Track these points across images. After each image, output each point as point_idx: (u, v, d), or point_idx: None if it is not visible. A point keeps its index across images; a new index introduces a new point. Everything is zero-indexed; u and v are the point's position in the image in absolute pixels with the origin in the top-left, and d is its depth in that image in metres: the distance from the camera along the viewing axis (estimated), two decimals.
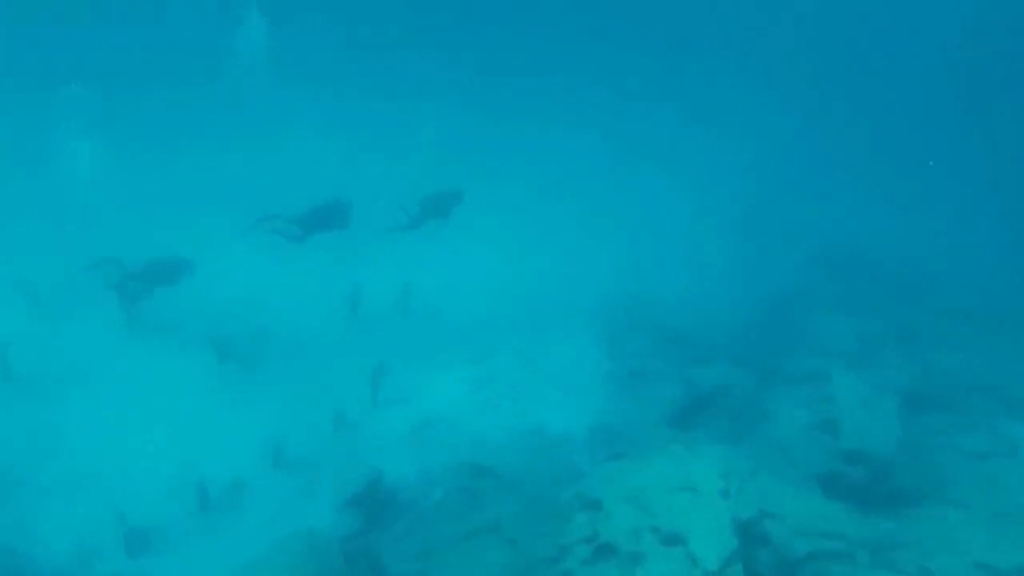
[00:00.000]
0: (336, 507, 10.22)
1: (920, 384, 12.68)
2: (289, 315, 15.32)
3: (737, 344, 15.45)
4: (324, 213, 12.20)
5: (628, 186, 21.75)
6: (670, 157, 24.82)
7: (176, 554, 10.31)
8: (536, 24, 28.90)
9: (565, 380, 14.16)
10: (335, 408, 12.97)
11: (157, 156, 21.39)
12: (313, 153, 19.10)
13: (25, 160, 21.08)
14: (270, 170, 18.64)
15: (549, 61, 28.70)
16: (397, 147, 19.87)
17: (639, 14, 30.12)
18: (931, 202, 24.03)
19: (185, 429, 12.29)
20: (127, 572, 9.93)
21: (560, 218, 19.32)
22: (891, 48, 30.68)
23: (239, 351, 14.23)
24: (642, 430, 11.60)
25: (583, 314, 16.97)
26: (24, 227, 17.55)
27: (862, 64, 30.87)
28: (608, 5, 29.55)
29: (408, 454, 12.06)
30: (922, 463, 10.57)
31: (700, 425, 12.03)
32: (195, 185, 19.45)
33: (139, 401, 13.03)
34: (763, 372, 13.57)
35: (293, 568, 8.80)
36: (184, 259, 13.24)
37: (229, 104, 22.32)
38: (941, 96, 28.99)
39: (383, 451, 12.10)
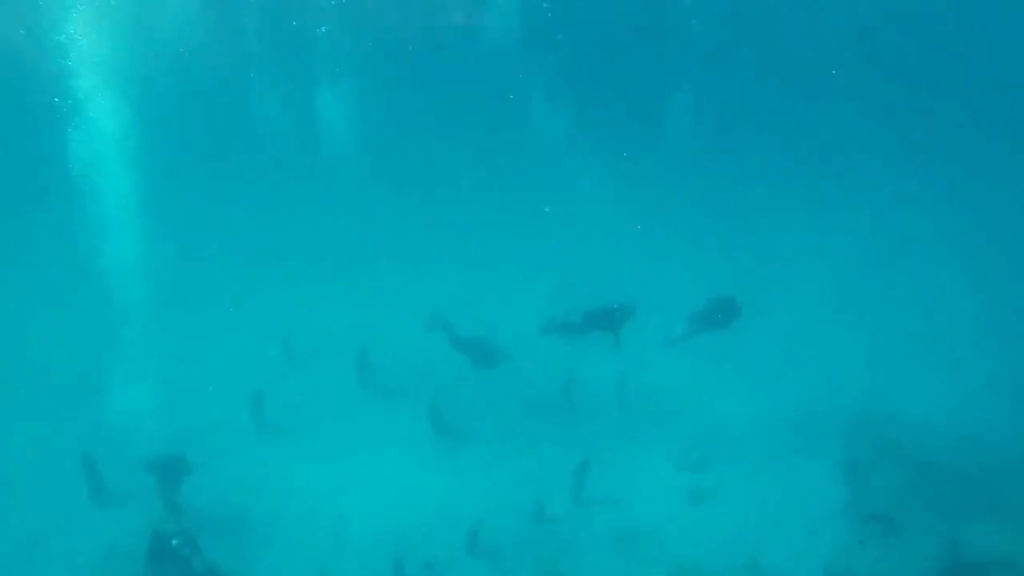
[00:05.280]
0: None
1: None
2: (508, 397, 15.32)
3: None
4: (604, 314, 13.04)
5: (881, 284, 18.85)
6: (933, 251, 20.89)
7: None
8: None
9: (793, 509, 12.31)
10: (536, 499, 12.52)
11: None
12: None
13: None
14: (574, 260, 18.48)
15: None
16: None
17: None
18: None
19: (392, 495, 12.66)
20: None
21: (804, 320, 17.20)
22: None
23: (454, 424, 14.51)
24: None
25: (821, 430, 14.87)
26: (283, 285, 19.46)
27: None
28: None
29: (609, 566, 11.15)
30: None
31: None
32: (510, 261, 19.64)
33: (357, 460, 13.80)
34: None
35: None
36: (501, 349, 14.06)
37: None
38: None
39: (582, 556, 11.32)
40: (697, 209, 20.73)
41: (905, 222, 20.85)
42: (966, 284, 18.40)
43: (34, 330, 18.31)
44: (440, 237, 20.37)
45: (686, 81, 26.13)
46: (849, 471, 13.65)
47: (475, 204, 21.89)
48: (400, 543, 11.25)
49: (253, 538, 11.67)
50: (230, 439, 14.50)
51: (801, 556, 10.76)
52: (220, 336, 18.24)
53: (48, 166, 21.60)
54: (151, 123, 24.54)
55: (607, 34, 27.19)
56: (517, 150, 24.14)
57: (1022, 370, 15.98)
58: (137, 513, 11.54)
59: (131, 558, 10.22)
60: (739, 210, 20.82)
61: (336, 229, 21.70)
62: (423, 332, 15.45)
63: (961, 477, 13.02)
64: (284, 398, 15.55)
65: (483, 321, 14.92)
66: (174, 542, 9.67)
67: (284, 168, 24.94)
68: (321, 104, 27.17)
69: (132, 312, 16.74)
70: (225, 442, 14.31)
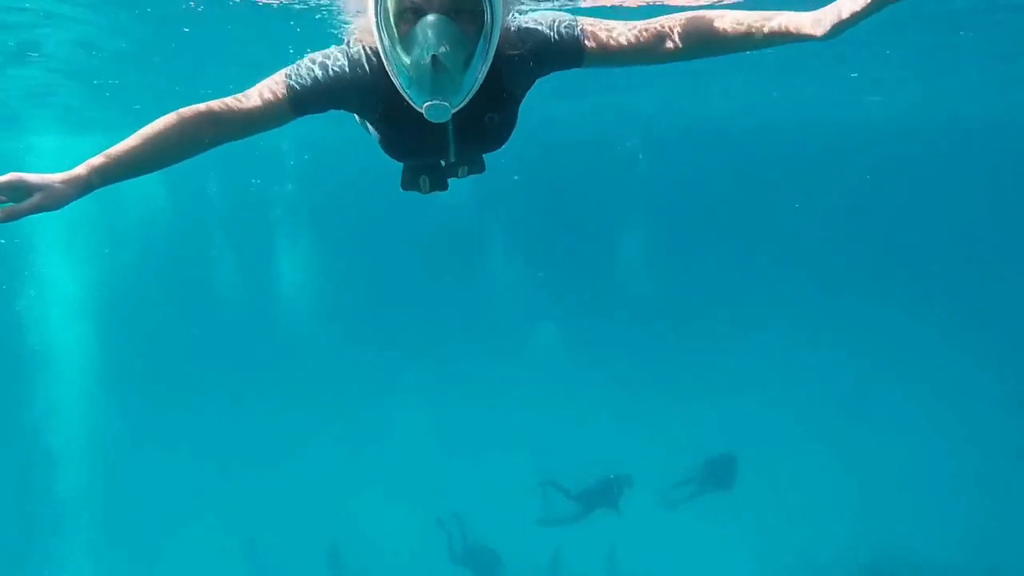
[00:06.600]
0: None
1: None
2: None
3: None
4: (601, 491, 12.49)
5: (871, 422, 18.11)
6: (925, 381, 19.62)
7: None
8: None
9: None
10: None
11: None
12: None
13: None
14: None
15: None
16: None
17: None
18: None
19: None
20: None
21: (794, 472, 16.26)
22: None
23: None
24: None
25: None
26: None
27: None
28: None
29: None
30: None
31: None
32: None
33: None
34: None
35: None
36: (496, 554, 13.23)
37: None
38: None
39: None
40: (675, 366, 20.23)
41: (890, 354, 20.40)
42: (962, 411, 17.83)
43: None
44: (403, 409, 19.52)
45: (649, 224, 26.54)
46: None
47: (438, 367, 21.14)
48: None
49: None
50: None
51: None
52: (172, 533, 16.64)
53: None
54: (109, 290, 24.01)
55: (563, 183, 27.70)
56: (480, 311, 23.84)
57: None
58: None
59: None
60: (713, 363, 20.41)
61: (299, 400, 20.65)
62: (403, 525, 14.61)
63: None
64: None
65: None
66: None
67: (244, 340, 24.15)
68: (281, 263, 27.01)
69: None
70: None
